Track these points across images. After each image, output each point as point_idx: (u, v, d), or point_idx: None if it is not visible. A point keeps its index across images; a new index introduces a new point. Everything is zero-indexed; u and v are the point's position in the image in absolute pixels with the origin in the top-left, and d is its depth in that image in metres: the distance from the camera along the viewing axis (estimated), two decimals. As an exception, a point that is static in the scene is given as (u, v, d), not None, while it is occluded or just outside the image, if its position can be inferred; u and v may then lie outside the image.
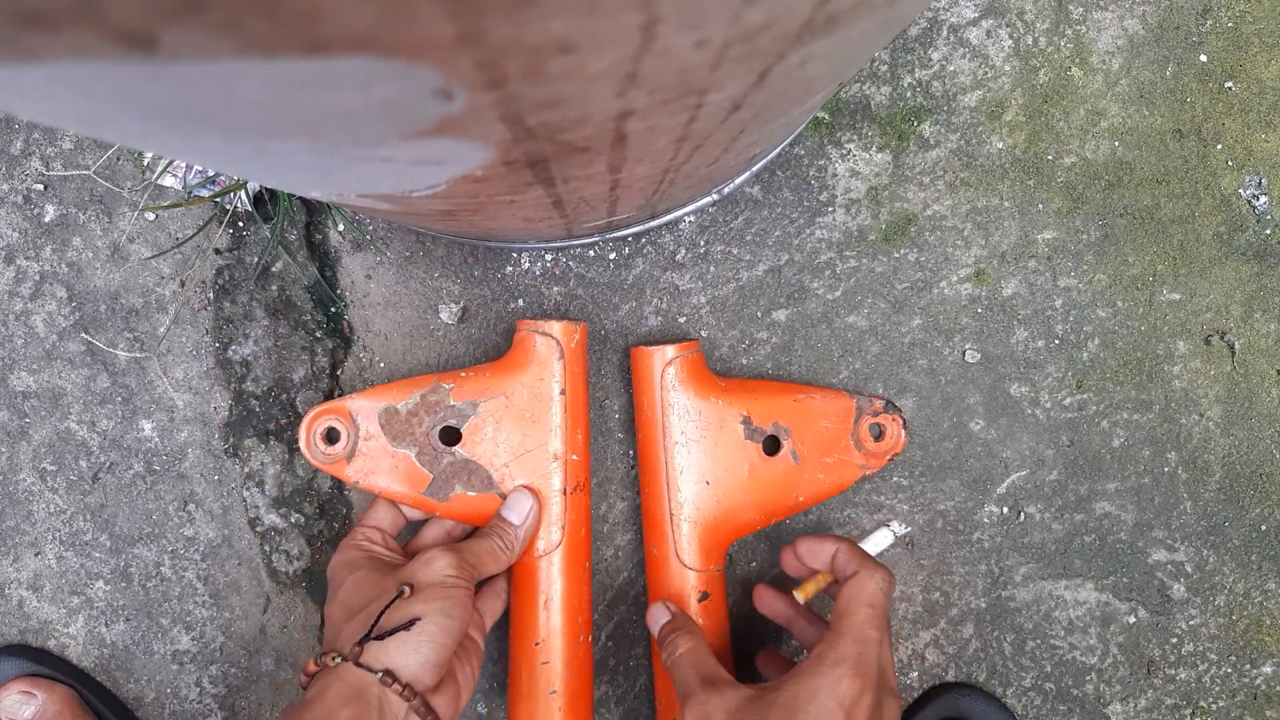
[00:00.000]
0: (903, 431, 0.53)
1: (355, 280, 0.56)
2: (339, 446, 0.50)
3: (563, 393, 0.50)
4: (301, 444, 0.50)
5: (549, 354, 0.50)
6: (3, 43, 0.13)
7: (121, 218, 0.56)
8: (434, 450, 0.50)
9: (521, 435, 0.50)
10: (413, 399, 0.50)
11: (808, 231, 0.54)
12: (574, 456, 0.50)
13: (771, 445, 0.52)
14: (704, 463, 0.50)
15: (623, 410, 0.56)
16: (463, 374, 0.51)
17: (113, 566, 0.57)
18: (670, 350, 0.50)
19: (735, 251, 0.55)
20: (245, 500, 0.57)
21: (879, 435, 0.53)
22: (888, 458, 0.53)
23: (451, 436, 0.50)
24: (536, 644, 0.49)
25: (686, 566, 0.50)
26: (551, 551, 0.50)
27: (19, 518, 0.57)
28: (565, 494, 0.50)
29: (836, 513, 0.55)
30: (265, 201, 0.55)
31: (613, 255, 0.55)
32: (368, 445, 0.50)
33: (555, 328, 0.50)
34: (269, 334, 0.56)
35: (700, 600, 0.50)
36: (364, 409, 0.50)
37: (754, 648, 0.55)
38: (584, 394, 0.51)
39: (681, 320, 0.55)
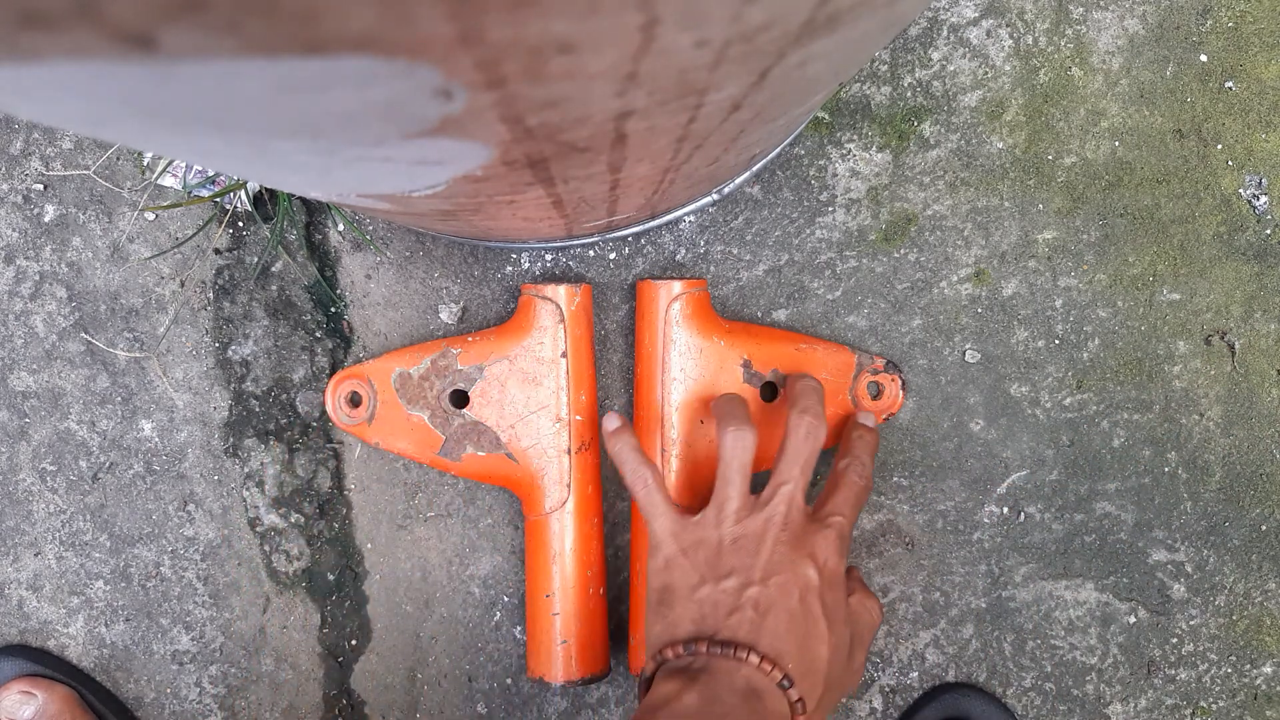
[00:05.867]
0: (901, 393, 0.53)
1: (355, 280, 0.56)
2: (361, 410, 0.53)
3: (564, 355, 0.51)
4: (327, 408, 0.53)
5: (550, 317, 0.51)
6: (3, 43, 0.13)
7: (121, 218, 0.56)
8: (445, 413, 0.52)
9: (525, 397, 0.51)
10: (423, 364, 0.52)
11: (808, 231, 0.54)
12: (578, 417, 0.51)
13: (769, 392, 0.52)
14: (700, 402, 0.51)
15: (623, 410, 0.55)
16: (469, 338, 0.52)
17: (112, 566, 0.57)
18: (677, 286, 0.50)
19: (735, 251, 0.55)
20: (245, 500, 0.57)
21: (877, 394, 0.53)
22: (883, 418, 0.53)
23: (461, 399, 0.52)
24: (548, 596, 0.51)
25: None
26: (558, 508, 0.51)
27: (19, 518, 0.57)
28: (570, 454, 0.51)
29: (836, 513, 0.55)
30: (265, 201, 0.55)
31: (613, 255, 0.55)
32: (385, 409, 0.52)
33: (555, 291, 0.51)
34: (269, 334, 0.56)
35: None
36: (380, 374, 0.52)
37: None
38: (588, 355, 0.52)
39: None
